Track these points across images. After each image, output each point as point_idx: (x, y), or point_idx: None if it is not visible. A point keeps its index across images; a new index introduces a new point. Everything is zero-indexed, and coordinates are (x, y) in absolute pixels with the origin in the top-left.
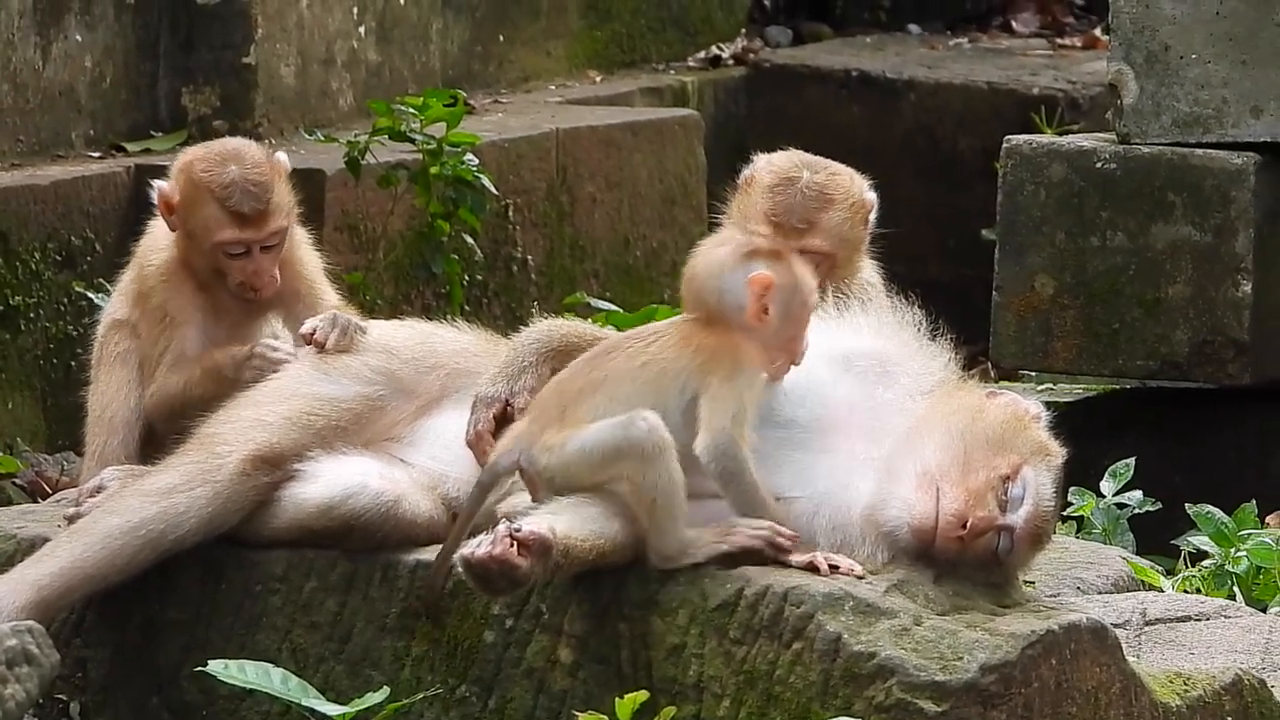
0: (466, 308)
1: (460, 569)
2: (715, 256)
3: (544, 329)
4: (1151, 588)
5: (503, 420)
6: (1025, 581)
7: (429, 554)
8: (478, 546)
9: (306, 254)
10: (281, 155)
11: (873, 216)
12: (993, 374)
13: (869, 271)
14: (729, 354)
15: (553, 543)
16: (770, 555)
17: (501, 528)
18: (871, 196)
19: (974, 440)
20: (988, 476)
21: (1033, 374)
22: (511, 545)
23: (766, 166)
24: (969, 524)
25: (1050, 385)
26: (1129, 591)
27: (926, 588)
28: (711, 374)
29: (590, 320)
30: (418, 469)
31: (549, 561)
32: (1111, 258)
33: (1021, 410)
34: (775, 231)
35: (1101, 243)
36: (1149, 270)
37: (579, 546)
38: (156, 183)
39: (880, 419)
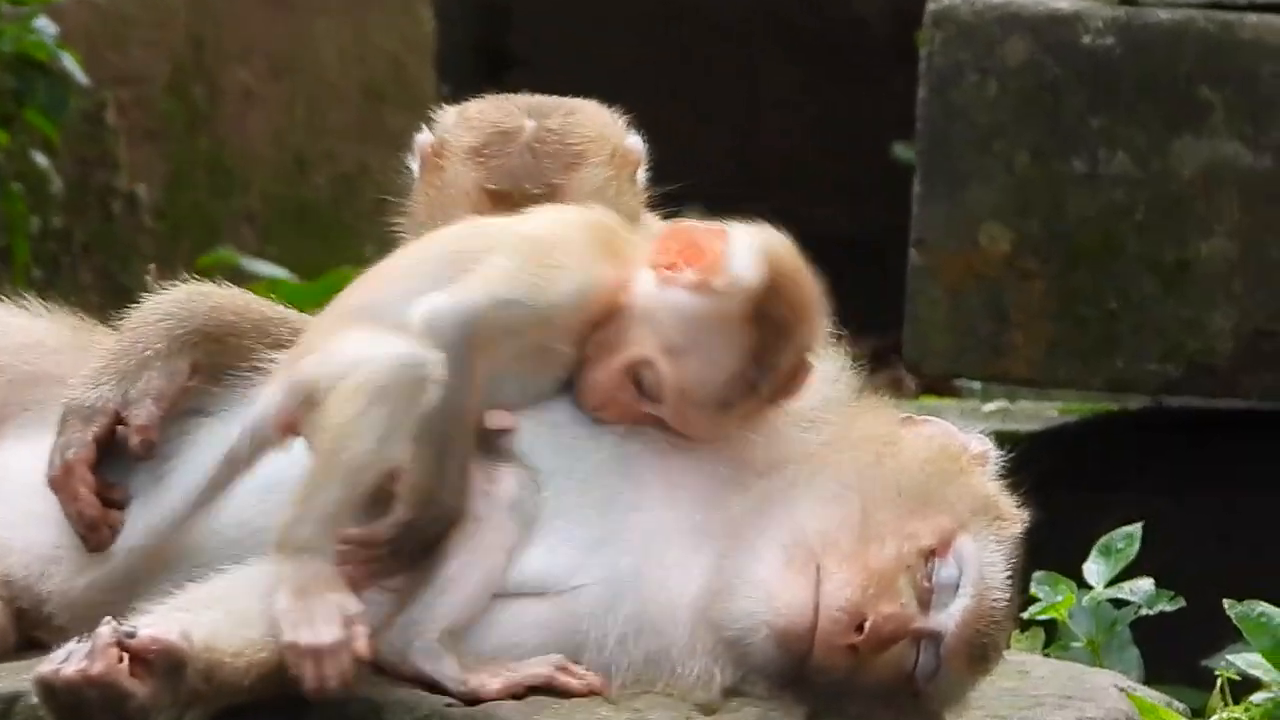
0: (37, 273)
1: (37, 697)
2: None
3: (180, 300)
4: None
5: (108, 442)
6: None
7: None
8: (64, 661)
9: None
10: None
11: (641, 174)
12: (911, 384)
13: None
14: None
15: (187, 655)
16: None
17: (105, 630)
18: (636, 144)
19: (879, 492)
20: (900, 550)
21: (976, 385)
22: (120, 659)
23: (460, 122)
24: (868, 625)
25: (1005, 404)
26: None
27: None
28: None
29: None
30: None
31: (180, 685)
32: (1108, 193)
33: (956, 447)
34: (499, 206)
35: (1090, 168)
36: (1169, 214)
37: (230, 664)
38: None
39: (722, 462)
